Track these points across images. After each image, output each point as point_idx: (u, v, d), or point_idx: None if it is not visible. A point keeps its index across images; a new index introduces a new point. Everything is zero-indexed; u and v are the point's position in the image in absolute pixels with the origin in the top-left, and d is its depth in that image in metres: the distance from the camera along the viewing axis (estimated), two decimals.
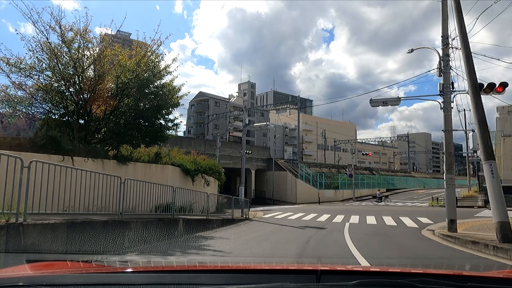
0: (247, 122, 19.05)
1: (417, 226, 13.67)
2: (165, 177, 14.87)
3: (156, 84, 13.34)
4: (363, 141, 74.74)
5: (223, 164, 32.86)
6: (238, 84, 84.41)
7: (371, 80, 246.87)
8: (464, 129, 37.20)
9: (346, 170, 43.94)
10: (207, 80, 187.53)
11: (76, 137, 11.27)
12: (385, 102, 12.71)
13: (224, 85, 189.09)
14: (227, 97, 79.53)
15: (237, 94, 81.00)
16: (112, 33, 13.43)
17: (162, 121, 14.45)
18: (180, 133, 52.91)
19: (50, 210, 5.97)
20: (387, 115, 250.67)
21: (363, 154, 51.63)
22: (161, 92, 13.49)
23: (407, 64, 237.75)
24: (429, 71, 13.96)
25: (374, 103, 12.87)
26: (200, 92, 74.79)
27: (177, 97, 14.51)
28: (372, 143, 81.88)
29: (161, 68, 13.34)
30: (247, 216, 17.85)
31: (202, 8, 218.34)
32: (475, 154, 50.57)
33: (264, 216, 19.25)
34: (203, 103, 71.05)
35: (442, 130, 11.71)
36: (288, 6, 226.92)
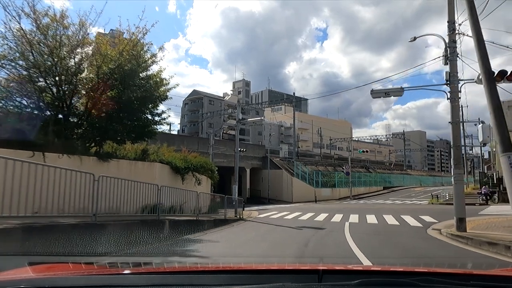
0: (240, 118, 18.14)
1: (421, 225, 12.87)
2: (152, 175, 13.93)
3: (141, 75, 12.36)
4: (359, 139, 74.30)
5: (217, 162, 31.90)
6: (233, 82, 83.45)
7: (365, 79, 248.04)
8: (462, 125, 36.74)
9: (342, 168, 43.26)
10: (201, 79, 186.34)
11: (51, 131, 10.27)
12: (387, 93, 11.87)
13: (218, 85, 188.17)
14: (222, 95, 78.44)
15: (231, 92, 79.94)
16: (104, 32, 12.51)
17: (149, 116, 13.49)
18: (174, 132, 51.91)
19: (9, 212, 5.07)
20: (382, 114, 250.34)
21: (361, 152, 50.94)
22: (147, 84, 12.52)
23: (401, 63, 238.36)
24: (435, 59, 13.03)
25: (375, 94, 12.03)
26: (194, 90, 73.70)
27: (165, 89, 13.57)
28: (368, 141, 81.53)
29: (147, 58, 12.36)
30: (241, 216, 16.95)
31: (196, 7, 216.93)
32: (471, 151, 50.26)
33: (259, 216, 18.36)
34: (197, 102, 69.93)
35: (449, 122, 10.90)
36: (281, 5, 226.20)
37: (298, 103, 70.72)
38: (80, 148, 11.33)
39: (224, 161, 33.67)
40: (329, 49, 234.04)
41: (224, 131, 40.60)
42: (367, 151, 64.28)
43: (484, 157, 56.45)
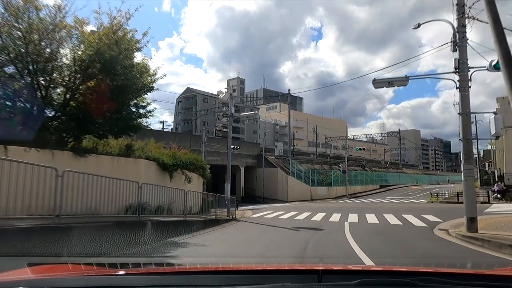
0: (233, 112, 17.14)
1: (425, 225, 12.02)
2: (137, 172, 12.93)
3: (124, 64, 11.31)
4: (354, 137, 73.72)
5: (210, 161, 30.88)
6: (227, 80, 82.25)
7: (360, 78, 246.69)
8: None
9: (338, 166, 42.49)
10: (196, 79, 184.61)
11: (20, 123, 9.21)
12: (390, 82, 10.97)
13: (213, 84, 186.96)
14: (216, 93, 77.28)
15: (226, 90, 78.75)
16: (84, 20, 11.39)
17: (133, 108, 12.47)
18: (167, 130, 50.73)
19: None
20: (376, 113, 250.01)
21: (358, 149, 50.26)
22: (130, 74, 11.48)
23: (395, 62, 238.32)
24: (442, 45, 12.06)
25: (377, 83, 11.13)
26: (187, 88, 72.52)
27: (152, 80, 12.55)
28: (363, 139, 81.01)
29: (129, 44, 11.32)
30: (234, 216, 15.99)
31: (190, 6, 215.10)
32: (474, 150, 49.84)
33: (252, 215, 17.40)
34: (191, 100, 68.71)
35: (458, 113, 10.04)
36: (276, 5, 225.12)
37: (293, 102, 69.94)
38: (55, 142, 10.29)
39: (218, 159, 32.64)
40: (324, 49, 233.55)
41: (218, 128, 39.47)
42: (364, 149, 63.72)
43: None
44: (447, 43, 10.66)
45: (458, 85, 10.08)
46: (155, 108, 13.30)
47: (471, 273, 1.67)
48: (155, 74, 12.17)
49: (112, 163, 11.71)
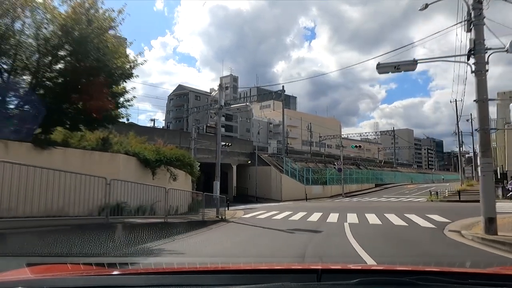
0: (222, 104, 15.85)
1: (434, 226, 10.90)
2: (115, 168, 11.62)
3: (97, 45, 9.93)
4: (348, 136, 72.91)
5: (201, 158, 29.51)
6: (220, 77, 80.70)
7: (353, 78, 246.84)
8: (457, 119, 35.33)
9: (334, 165, 41.52)
10: (189, 78, 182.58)
11: None
12: (397, 66, 9.80)
13: (207, 83, 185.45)
14: (209, 91, 75.83)
15: (218, 87, 77.35)
16: None
17: (108, 97, 11.12)
18: (158, 128, 49.14)
19: None
20: (369, 113, 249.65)
21: (354, 147, 49.34)
22: (104, 56, 10.11)
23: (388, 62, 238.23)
24: (455, 24, 10.85)
25: (382, 68, 9.96)
26: (179, 85, 70.99)
27: (130, 67, 11.22)
28: (357, 138, 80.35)
29: (103, 21, 9.95)
30: (223, 217, 14.71)
31: (183, 5, 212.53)
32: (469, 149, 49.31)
33: (244, 216, 16.14)
34: (183, 97, 67.23)
35: (474, 101, 8.89)
36: (270, 4, 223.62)
37: (286, 101, 68.83)
38: (15, 132, 8.92)
39: (209, 157, 31.24)
40: (317, 48, 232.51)
41: (209, 125, 37.99)
42: (360, 146, 63.02)
43: (468, 154, 55.85)
44: (460, 22, 9.54)
45: (473, 69, 8.93)
46: (134, 97, 11.84)
47: (470, 272, 1.63)
48: (135, 60, 10.85)
49: (83, 157, 10.36)
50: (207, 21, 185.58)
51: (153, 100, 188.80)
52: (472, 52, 8.93)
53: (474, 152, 47.40)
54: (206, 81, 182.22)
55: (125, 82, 11.24)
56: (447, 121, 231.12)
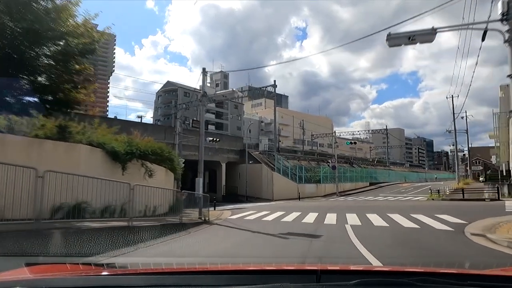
0: (206, 91, 14.04)
1: (450, 229, 9.29)
2: (75, 162, 9.79)
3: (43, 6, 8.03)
4: (341, 134, 71.75)
5: (187, 155, 27.63)
6: (210, 74, 78.49)
7: (344, 78, 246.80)
8: (453, 115, 33.97)
9: (327, 163, 40.03)
10: (181, 77, 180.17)
11: None
12: (411, 37, 8.11)
13: (199, 83, 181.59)
14: (198, 87, 73.80)
15: (209, 84, 75.24)
16: None
17: (64, 75, 9.22)
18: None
19: None
20: (360, 113, 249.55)
21: (349, 143, 47.98)
22: (46, 17, 8.18)
23: (379, 62, 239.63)
24: None
25: (393, 40, 8.28)
26: (168, 81, 68.80)
27: (94, 40, 9.33)
28: (348, 137, 79.34)
29: None
30: (207, 218, 12.90)
31: (174, 4, 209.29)
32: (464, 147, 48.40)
33: (231, 217, 14.34)
34: (172, 94, 65.02)
35: (508, 76, 7.28)
36: (261, 4, 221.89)
37: (278, 100, 67.08)
38: None
39: (195, 153, 29.18)
40: (308, 48, 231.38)
41: (195, 119, 35.96)
42: (355, 143, 61.88)
43: (464, 153, 55.05)
44: None
45: (506, 37, 7.32)
46: (94, 74, 9.87)
47: (469, 273, 1.62)
48: (93, 29, 8.96)
49: (31, 148, 8.46)
50: (198, 20, 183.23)
51: (143, 99, 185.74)
52: (505, 17, 7.31)
53: (469, 151, 46.51)
54: (197, 80, 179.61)
55: (86, 58, 9.33)
56: (436, 121, 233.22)
